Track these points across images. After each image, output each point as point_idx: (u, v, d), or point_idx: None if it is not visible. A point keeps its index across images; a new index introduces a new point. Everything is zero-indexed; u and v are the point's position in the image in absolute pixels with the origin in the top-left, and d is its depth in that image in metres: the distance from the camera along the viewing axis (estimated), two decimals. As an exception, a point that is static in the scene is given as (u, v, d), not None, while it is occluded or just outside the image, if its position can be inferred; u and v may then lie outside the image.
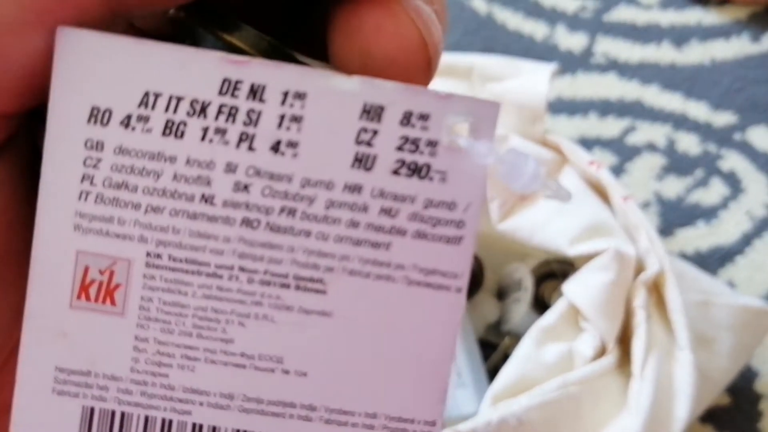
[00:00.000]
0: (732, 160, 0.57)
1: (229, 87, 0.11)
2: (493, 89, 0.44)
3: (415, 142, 0.11)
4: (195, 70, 0.11)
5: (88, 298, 0.12)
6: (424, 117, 0.11)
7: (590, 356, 0.37)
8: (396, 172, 0.11)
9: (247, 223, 0.11)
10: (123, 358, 0.12)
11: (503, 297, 0.50)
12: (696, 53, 0.62)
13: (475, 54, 0.49)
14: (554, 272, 0.46)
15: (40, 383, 0.12)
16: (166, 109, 0.11)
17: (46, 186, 0.11)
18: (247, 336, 0.12)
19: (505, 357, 0.39)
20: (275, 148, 0.11)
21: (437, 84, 0.42)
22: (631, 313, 0.38)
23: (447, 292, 0.12)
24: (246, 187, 0.11)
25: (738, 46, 0.61)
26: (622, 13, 0.64)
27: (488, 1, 0.65)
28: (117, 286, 0.12)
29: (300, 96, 0.11)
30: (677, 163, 0.57)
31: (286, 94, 0.11)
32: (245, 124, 0.11)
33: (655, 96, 0.60)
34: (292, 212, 0.11)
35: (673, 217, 0.55)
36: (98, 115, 0.11)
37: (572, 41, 0.62)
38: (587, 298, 0.37)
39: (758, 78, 0.60)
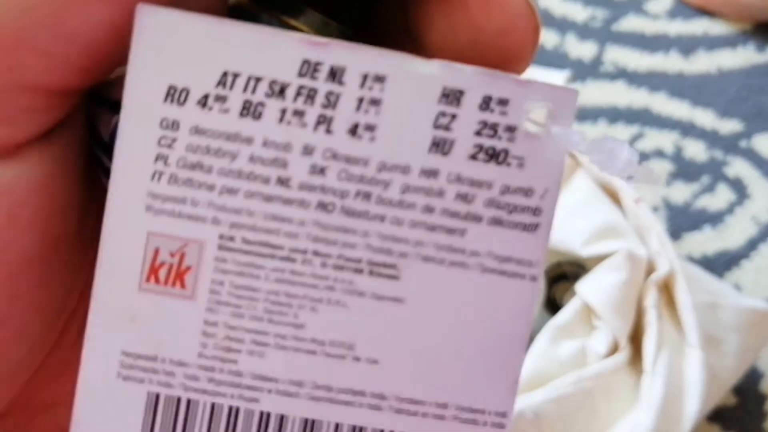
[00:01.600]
0: (738, 167, 0.58)
1: (309, 69, 0.11)
2: None
3: (494, 127, 0.11)
4: (274, 50, 0.11)
5: (157, 281, 0.11)
6: (503, 102, 0.11)
7: (603, 353, 0.38)
8: (473, 157, 0.11)
9: (322, 206, 0.11)
10: (191, 343, 0.11)
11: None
12: (703, 62, 0.63)
13: None
14: (566, 274, 0.47)
15: (106, 367, 0.12)
16: (245, 89, 0.11)
17: (119, 165, 0.11)
18: (319, 321, 0.12)
19: None
20: (353, 131, 0.11)
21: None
22: (642, 312, 0.39)
23: (521, 280, 0.12)
24: (322, 170, 0.11)
25: (744, 56, 0.63)
26: (630, 23, 0.65)
27: (500, 10, 0.66)
28: (188, 268, 0.11)
29: (379, 79, 0.11)
30: (684, 169, 0.58)
31: (365, 77, 0.11)
32: (324, 106, 0.11)
33: (662, 104, 0.61)
34: (367, 196, 0.11)
35: (681, 221, 0.56)
36: (175, 95, 0.11)
37: (582, 50, 0.63)
38: (600, 297, 0.38)
39: (763, 87, 0.61)
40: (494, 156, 0.11)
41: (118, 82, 0.12)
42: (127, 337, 0.11)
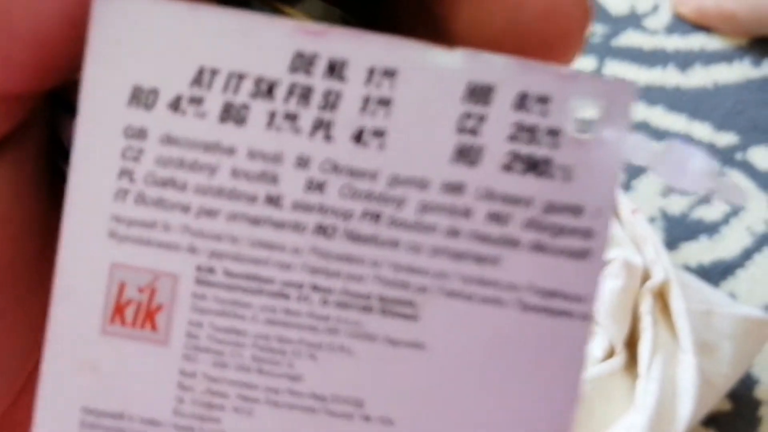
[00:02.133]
0: (734, 178, 0.59)
1: (303, 62, 0.09)
2: None
3: (533, 131, 0.09)
4: (261, 41, 0.09)
5: (123, 322, 0.09)
6: (543, 100, 0.09)
7: (600, 357, 0.39)
8: (508, 168, 0.09)
9: (321, 230, 0.09)
10: (165, 398, 0.10)
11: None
12: (699, 77, 0.64)
13: None
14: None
15: (62, 427, 0.10)
16: (225, 88, 0.09)
17: (76, 183, 0.09)
18: (320, 372, 0.09)
19: None
20: (357, 137, 0.09)
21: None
22: (637, 318, 0.40)
23: (570, 319, 0.09)
24: (321, 186, 0.09)
25: (739, 71, 0.64)
26: (629, 38, 0.66)
27: (502, 25, 0.68)
28: (159, 307, 0.09)
29: (389, 73, 0.09)
30: (681, 181, 0.59)
31: (371, 72, 0.09)
32: (321, 108, 0.09)
33: (660, 116, 0.62)
34: (376, 217, 0.09)
35: (678, 231, 0.57)
36: (141, 97, 0.09)
37: (582, 64, 0.65)
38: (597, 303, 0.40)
39: (759, 101, 0.63)
40: (534, 166, 0.09)
41: (75, 85, 0.10)
42: (88, 390, 0.10)
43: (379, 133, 0.09)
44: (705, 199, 0.58)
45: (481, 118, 0.09)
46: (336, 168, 0.09)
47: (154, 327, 0.10)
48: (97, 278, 0.09)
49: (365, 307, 0.09)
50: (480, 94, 0.09)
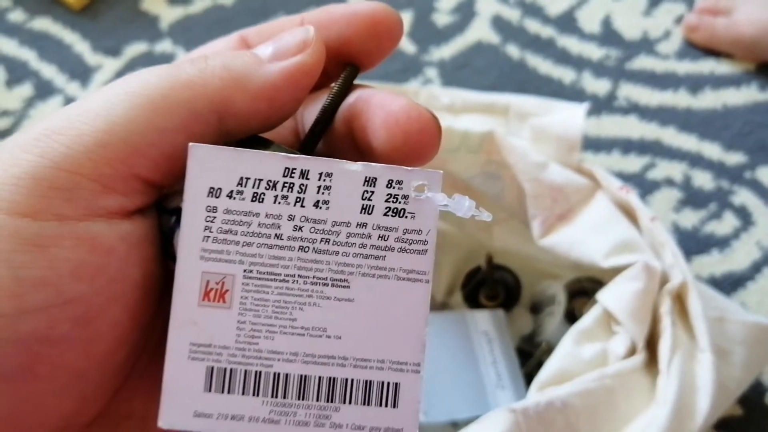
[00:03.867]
0: (743, 196, 0.61)
1: (288, 171, 0.18)
2: (534, 123, 0.49)
3: (396, 197, 0.18)
4: (268, 163, 0.18)
5: (209, 300, 0.18)
6: (399, 182, 0.18)
7: (622, 355, 0.40)
8: (386, 214, 0.18)
9: (302, 249, 0.18)
10: (230, 334, 0.18)
11: (537, 311, 0.53)
12: (709, 99, 0.67)
13: (511, 94, 0.53)
14: (585, 289, 0.50)
15: (181, 353, 0.18)
16: (253, 186, 0.18)
17: (185, 233, 0.18)
18: (305, 316, 0.18)
19: (539, 364, 0.43)
20: (316, 205, 0.18)
21: (478, 119, 0.48)
22: (657, 319, 0.42)
23: (420, 283, 0.19)
24: (300, 228, 0.18)
25: (748, 94, 0.67)
26: (642, 62, 0.69)
27: (521, 48, 0.70)
28: (226, 291, 0.18)
29: (329, 175, 0.18)
30: (693, 197, 0.61)
31: (321, 174, 0.18)
32: (299, 192, 0.18)
33: (672, 137, 0.65)
34: (327, 241, 0.18)
35: (690, 245, 0.59)
36: (214, 191, 0.18)
37: (597, 86, 0.68)
38: (619, 304, 0.41)
39: (766, 122, 0.65)
40: (397, 212, 0.19)
41: (170, 197, 0.19)
42: (192, 334, 0.18)
43: (326, 202, 0.18)
44: (716, 215, 0.61)
45: (372, 192, 0.18)
46: (307, 219, 0.18)
47: (224, 301, 0.18)
48: (195, 279, 0.18)
49: (324, 283, 0.18)
50: (371, 181, 0.18)
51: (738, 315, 0.47)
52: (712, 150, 0.64)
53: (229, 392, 0.18)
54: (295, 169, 0.18)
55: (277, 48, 0.19)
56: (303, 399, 0.18)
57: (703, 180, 0.62)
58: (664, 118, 0.65)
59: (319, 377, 0.18)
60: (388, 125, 0.19)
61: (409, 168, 0.18)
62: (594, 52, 0.70)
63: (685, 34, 0.70)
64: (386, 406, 0.18)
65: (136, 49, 0.72)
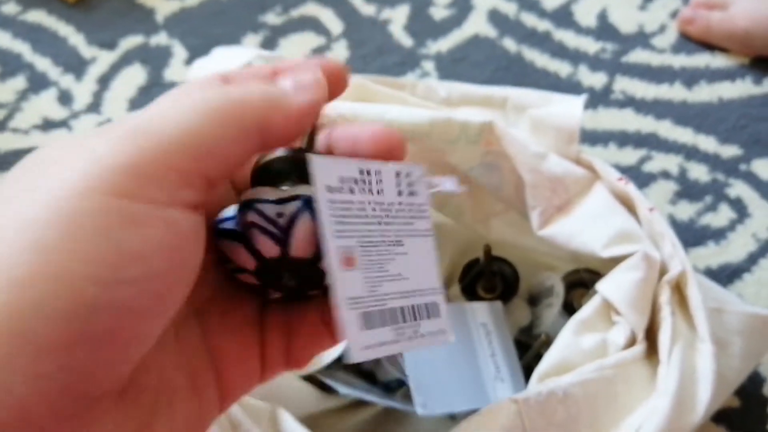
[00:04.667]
0: (738, 188, 0.62)
1: (363, 171, 0.24)
2: (532, 114, 0.49)
3: (410, 183, 0.26)
4: (350, 166, 0.24)
5: (346, 266, 0.23)
6: (408, 174, 0.26)
7: (622, 345, 0.40)
8: (408, 194, 0.26)
9: (378, 222, 0.25)
10: (364, 288, 0.24)
11: (535, 303, 0.53)
12: (705, 93, 0.67)
13: (508, 87, 0.53)
14: (583, 281, 0.50)
15: (345, 308, 0.23)
16: (347, 182, 0.24)
17: (324, 221, 0.23)
18: (390, 267, 0.25)
19: (538, 356, 0.42)
20: (378, 192, 0.24)
21: (476, 112, 0.48)
22: (657, 309, 0.42)
23: (431, 237, 0.26)
24: (374, 209, 0.24)
25: (742, 88, 0.67)
26: (638, 56, 0.69)
27: (518, 42, 0.70)
28: (353, 258, 0.24)
29: (378, 172, 0.25)
30: (689, 190, 0.62)
31: (376, 171, 0.25)
32: (369, 184, 0.24)
33: (668, 130, 0.65)
34: (388, 215, 0.25)
35: (686, 237, 0.59)
36: (330, 188, 0.23)
37: (594, 79, 0.68)
38: (619, 294, 0.41)
39: (761, 116, 0.66)
40: (411, 193, 0.26)
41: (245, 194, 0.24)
42: (348, 291, 0.23)
43: (381, 191, 0.25)
44: (712, 207, 0.61)
45: (399, 181, 0.25)
46: (376, 202, 0.24)
47: (354, 266, 0.23)
48: (337, 252, 0.23)
49: (392, 244, 0.25)
50: (397, 174, 0.25)
51: (736, 306, 0.47)
52: (707, 143, 0.64)
53: (373, 328, 0.24)
54: (363, 169, 0.24)
55: (298, 83, 0.24)
56: (405, 321, 0.25)
57: (699, 172, 0.63)
58: (660, 112, 0.66)
59: (411, 305, 0.25)
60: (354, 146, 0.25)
61: (414, 164, 0.25)
62: (590, 45, 0.70)
63: (681, 27, 0.70)
64: (436, 317, 0.26)
65: (131, 41, 0.72)
